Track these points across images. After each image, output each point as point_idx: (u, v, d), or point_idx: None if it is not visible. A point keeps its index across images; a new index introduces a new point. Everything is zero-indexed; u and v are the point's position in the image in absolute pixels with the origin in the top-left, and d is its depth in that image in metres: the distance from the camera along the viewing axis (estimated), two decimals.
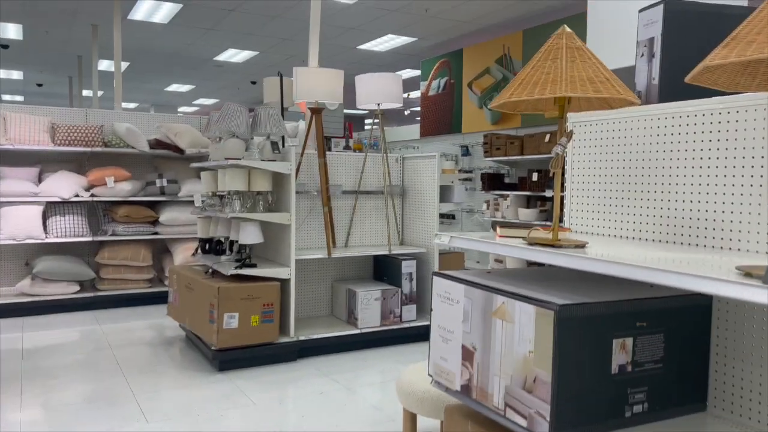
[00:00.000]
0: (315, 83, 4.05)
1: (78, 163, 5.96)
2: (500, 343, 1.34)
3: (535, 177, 6.76)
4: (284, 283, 4.02)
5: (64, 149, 5.52)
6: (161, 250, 6.32)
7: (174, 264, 5.88)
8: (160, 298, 5.87)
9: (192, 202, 6.05)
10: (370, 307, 4.25)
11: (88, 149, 5.59)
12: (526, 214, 6.90)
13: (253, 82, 14.50)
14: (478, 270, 1.64)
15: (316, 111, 4.28)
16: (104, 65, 12.62)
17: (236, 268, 3.87)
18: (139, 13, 8.80)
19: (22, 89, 16.23)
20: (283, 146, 4.43)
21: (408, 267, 4.39)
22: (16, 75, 13.90)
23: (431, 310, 1.60)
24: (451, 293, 1.51)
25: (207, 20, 9.12)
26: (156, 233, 5.90)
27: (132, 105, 19.26)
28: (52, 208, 5.61)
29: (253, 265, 3.96)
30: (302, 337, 4.02)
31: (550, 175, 6.45)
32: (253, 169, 3.93)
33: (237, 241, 4.15)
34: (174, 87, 15.81)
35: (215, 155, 4.27)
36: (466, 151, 8.91)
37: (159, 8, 8.54)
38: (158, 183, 5.89)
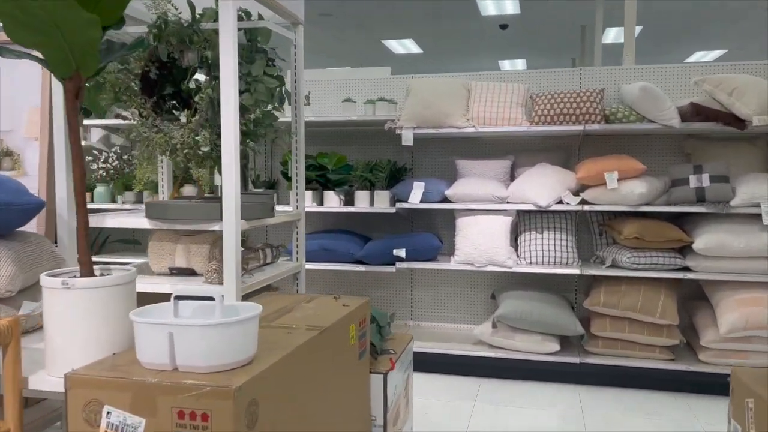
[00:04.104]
0: None
1: (565, 152, 3.92)
2: None
3: None
4: None
5: (543, 129, 3.56)
6: (693, 296, 3.73)
7: (720, 330, 3.21)
8: (692, 385, 3.33)
9: (757, 215, 3.25)
10: None
11: (580, 128, 3.48)
12: None
13: None
14: None
15: None
16: (611, 36, 10.50)
17: None
18: None
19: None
20: None
21: None
22: (520, 64, 13.28)
23: None
24: None
25: None
26: (686, 269, 3.37)
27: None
28: (524, 221, 3.76)
29: None
30: None
31: None
32: None
33: None
34: (696, 56, 12.56)
35: None
36: None
37: None
38: (693, 182, 3.34)
